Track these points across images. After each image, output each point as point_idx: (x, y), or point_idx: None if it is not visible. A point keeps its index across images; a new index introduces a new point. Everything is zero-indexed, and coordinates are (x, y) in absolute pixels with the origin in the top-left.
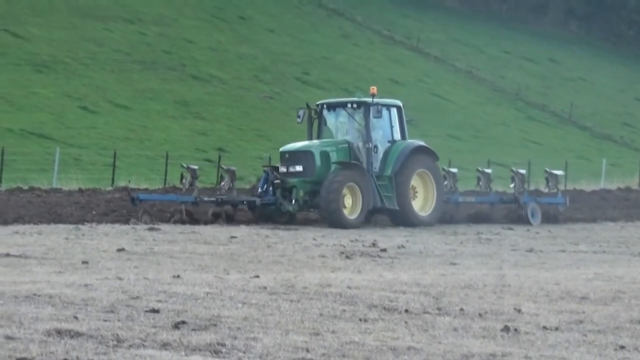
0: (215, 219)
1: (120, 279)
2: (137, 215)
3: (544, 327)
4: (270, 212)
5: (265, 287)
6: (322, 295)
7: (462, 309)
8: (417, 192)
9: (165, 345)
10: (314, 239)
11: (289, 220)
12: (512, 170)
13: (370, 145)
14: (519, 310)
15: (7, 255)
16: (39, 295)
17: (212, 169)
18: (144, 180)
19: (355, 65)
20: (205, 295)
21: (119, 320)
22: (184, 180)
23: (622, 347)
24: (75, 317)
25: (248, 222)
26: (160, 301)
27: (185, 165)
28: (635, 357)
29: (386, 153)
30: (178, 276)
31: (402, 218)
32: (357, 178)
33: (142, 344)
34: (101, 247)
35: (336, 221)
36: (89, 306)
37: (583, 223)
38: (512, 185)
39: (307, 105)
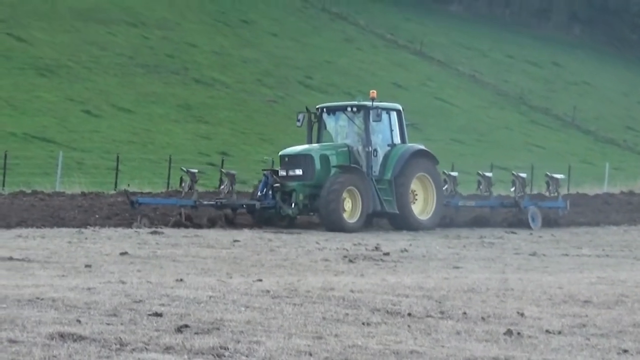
0: (212, 224)
1: (123, 282)
2: (136, 219)
3: (547, 331)
4: (269, 215)
5: (268, 291)
6: (325, 299)
7: (465, 313)
8: (417, 195)
9: (168, 349)
10: (316, 242)
11: (288, 224)
12: (513, 174)
13: (370, 149)
14: (522, 314)
15: (10, 258)
16: (42, 299)
17: (215, 173)
18: (147, 184)
19: (359, 69)
20: (208, 299)
21: (121, 323)
22: (183, 184)
23: (625, 351)
24: (78, 321)
25: (247, 226)
26: (163, 305)
27: (184, 169)
28: None
29: (386, 157)
30: (181, 280)
31: (402, 222)
32: (357, 182)
33: (145, 348)
34: (104, 251)
35: (336, 225)
36: (92, 310)
37: (586, 227)
38: (512, 189)
39: (306, 109)
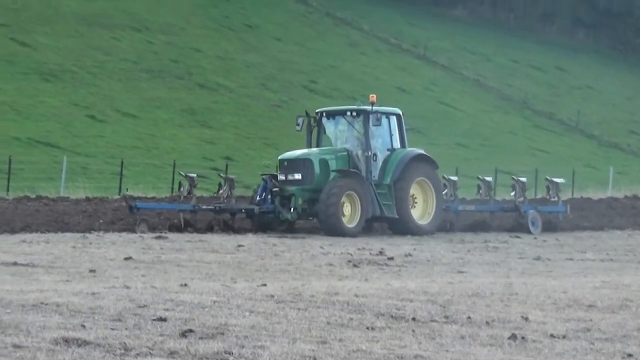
0: (210, 229)
1: (127, 287)
2: (135, 224)
3: (552, 335)
4: (268, 220)
5: (272, 296)
6: (330, 304)
7: (469, 317)
8: (416, 200)
9: (172, 354)
10: (321, 247)
11: (287, 228)
12: (513, 179)
13: (370, 153)
14: (527, 319)
15: (15, 264)
16: (46, 304)
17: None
18: (151, 188)
19: (363, 74)
20: (213, 304)
21: (126, 328)
22: (182, 189)
23: (630, 355)
24: (83, 326)
25: (246, 231)
26: (167, 310)
27: (183, 174)
28: None
29: (385, 161)
30: (185, 285)
31: (402, 226)
32: (356, 186)
33: (150, 353)
34: (108, 256)
35: (335, 229)
36: (97, 315)
37: (590, 231)
38: (512, 194)
39: (306, 113)
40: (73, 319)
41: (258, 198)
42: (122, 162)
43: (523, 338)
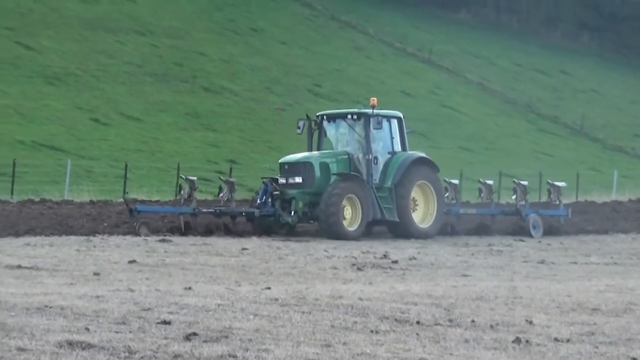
0: (210, 232)
1: (131, 290)
2: (135, 227)
3: (556, 339)
4: (269, 223)
5: (276, 299)
6: (334, 307)
7: (473, 321)
8: (417, 203)
9: (176, 357)
10: (325, 250)
11: (288, 231)
12: (514, 182)
13: (371, 156)
14: (531, 322)
15: (19, 267)
16: (51, 307)
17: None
18: (155, 192)
19: (368, 78)
20: (217, 307)
21: (130, 331)
22: (182, 192)
23: (634, 359)
24: (87, 329)
25: (247, 234)
26: (171, 313)
27: (184, 177)
28: None
29: (386, 164)
30: (189, 288)
31: (402, 230)
32: (357, 189)
33: (154, 356)
34: (112, 259)
35: (335, 233)
36: (101, 318)
37: (595, 235)
38: (513, 197)
39: (307, 116)
40: (77, 322)
41: (259, 201)
42: (126, 166)
43: (527, 342)
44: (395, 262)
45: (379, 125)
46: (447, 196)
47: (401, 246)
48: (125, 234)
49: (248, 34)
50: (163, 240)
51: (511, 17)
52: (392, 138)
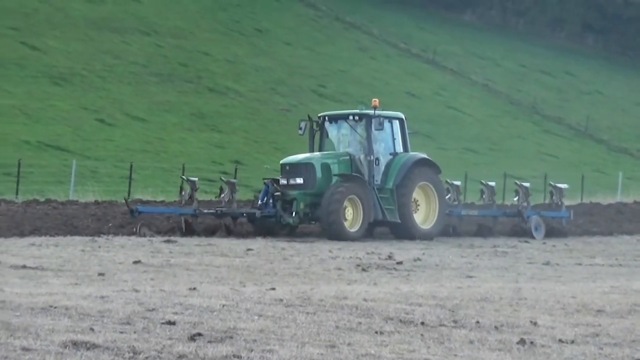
0: (211, 232)
1: (136, 291)
2: (136, 228)
3: (560, 340)
4: (270, 224)
5: (281, 300)
6: (338, 308)
7: (478, 322)
8: (419, 204)
9: (181, 357)
10: (329, 251)
11: (289, 232)
12: (516, 183)
13: (372, 157)
14: (535, 323)
15: (24, 267)
16: (55, 307)
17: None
18: (160, 192)
19: (372, 78)
20: (221, 308)
21: (135, 332)
22: (183, 192)
23: None
24: (92, 329)
25: (248, 235)
26: (176, 313)
27: (184, 177)
28: None
29: (388, 165)
30: (194, 288)
31: (404, 231)
32: (359, 190)
33: (158, 356)
34: (117, 259)
35: (337, 234)
36: (105, 318)
37: (599, 236)
38: (515, 199)
39: (308, 117)
40: (82, 322)
41: (260, 202)
42: (131, 166)
43: (532, 343)
44: (400, 263)
45: (380, 126)
46: (449, 197)
47: (406, 247)
48: (130, 234)
49: (253, 34)
50: (168, 241)
51: (516, 18)
52: (393, 139)
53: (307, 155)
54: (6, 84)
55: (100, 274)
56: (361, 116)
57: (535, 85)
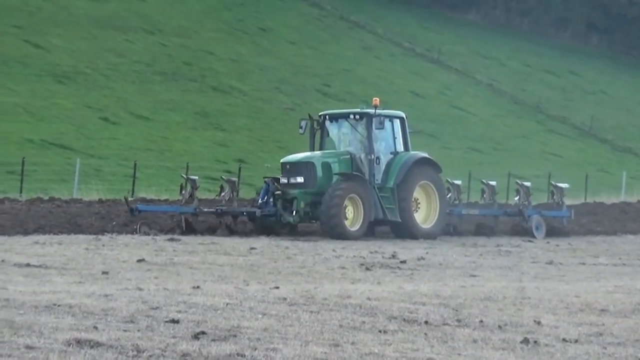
0: (212, 231)
1: (140, 289)
2: (136, 226)
3: (564, 340)
4: (270, 223)
5: (285, 298)
6: (342, 307)
7: (481, 321)
8: (419, 204)
9: (185, 356)
10: (333, 250)
11: (290, 231)
12: (517, 183)
13: (373, 156)
14: (539, 323)
15: (28, 265)
16: (59, 305)
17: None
18: (164, 191)
19: (377, 78)
20: (225, 306)
21: (138, 330)
22: (183, 191)
23: None
24: (95, 327)
25: (248, 234)
26: (180, 312)
27: (184, 176)
28: None
29: (388, 164)
30: (198, 287)
31: (404, 230)
32: (359, 189)
33: (162, 354)
34: (121, 258)
35: (337, 233)
36: (109, 316)
37: (603, 236)
38: (516, 198)
39: (309, 116)
40: (86, 320)
41: (260, 201)
42: (135, 165)
43: (535, 342)
44: (404, 262)
45: (381, 125)
46: (450, 197)
47: (409, 246)
48: (133, 232)
49: (257, 33)
50: (171, 240)
51: (521, 18)
52: (394, 138)
53: (308, 154)
54: (10, 82)
55: (104, 273)
56: (362, 115)
57: (539, 85)
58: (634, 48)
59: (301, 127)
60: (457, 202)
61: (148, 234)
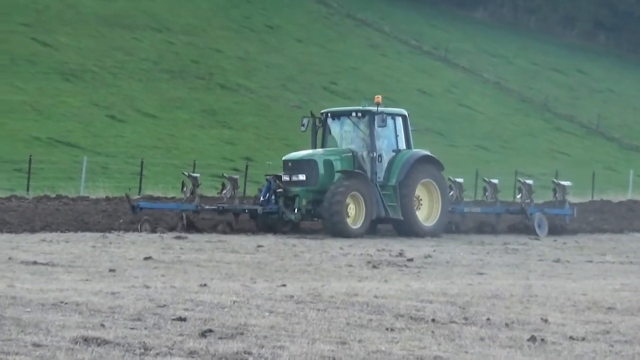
0: (213, 229)
1: (147, 287)
2: (138, 224)
3: (571, 337)
4: (272, 221)
5: (292, 296)
6: (349, 305)
7: (488, 319)
8: (421, 202)
9: (192, 354)
10: (340, 248)
11: (291, 229)
12: (519, 181)
13: (375, 154)
14: (546, 321)
15: (35, 263)
16: (66, 303)
17: (240, 179)
18: (171, 189)
19: (383, 76)
20: (232, 304)
21: (145, 328)
22: (184, 189)
23: None
24: (102, 325)
25: (249, 232)
26: (187, 309)
27: (186, 174)
28: None
29: (391, 162)
30: (205, 285)
31: (407, 228)
32: (361, 187)
33: (169, 352)
34: (128, 255)
35: (339, 231)
36: (116, 314)
37: (610, 234)
38: (519, 196)
39: (311, 113)
40: (93, 318)
41: (262, 198)
42: (142, 162)
43: (542, 340)
44: (411, 260)
45: (383, 123)
46: (452, 194)
47: (416, 244)
48: (137, 230)
49: (264, 31)
50: (178, 237)
51: (528, 16)
52: (396, 136)
53: (310, 151)
54: (17, 80)
55: (111, 270)
56: (364, 113)
57: (546, 83)
58: None
59: (303, 125)
60: (459, 199)
61: (147, 230)
